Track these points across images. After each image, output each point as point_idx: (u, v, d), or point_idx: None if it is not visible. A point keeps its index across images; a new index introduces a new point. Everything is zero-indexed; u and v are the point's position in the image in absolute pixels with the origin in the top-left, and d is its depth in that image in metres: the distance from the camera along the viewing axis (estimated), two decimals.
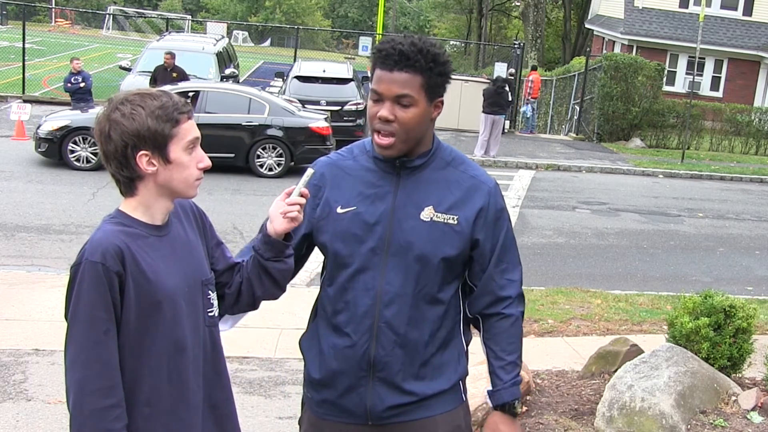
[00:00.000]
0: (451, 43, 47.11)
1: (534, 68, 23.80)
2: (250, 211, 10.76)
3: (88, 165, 12.38)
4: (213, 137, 12.26)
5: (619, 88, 19.83)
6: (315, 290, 2.97)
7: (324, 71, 16.55)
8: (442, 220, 2.30)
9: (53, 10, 47.80)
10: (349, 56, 38.78)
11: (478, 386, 3.93)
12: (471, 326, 2.48)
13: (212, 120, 12.83)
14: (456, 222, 2.31)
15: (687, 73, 26.99)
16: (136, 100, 2.05)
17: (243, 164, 13.14)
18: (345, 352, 2.31)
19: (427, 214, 2.30)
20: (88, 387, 1.97)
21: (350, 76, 16.54)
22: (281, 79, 18.01)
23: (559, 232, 11.12)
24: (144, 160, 2.05)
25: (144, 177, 2.07)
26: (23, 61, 19.61)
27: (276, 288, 2.30)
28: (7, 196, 10.56)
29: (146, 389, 2.07)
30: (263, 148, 13.16)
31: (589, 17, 34.73)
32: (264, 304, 2.38)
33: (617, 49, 27.86)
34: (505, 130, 18.30)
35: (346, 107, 15.79)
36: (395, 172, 2.33)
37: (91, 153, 12.35)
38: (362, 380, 2.32)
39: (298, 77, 16.31)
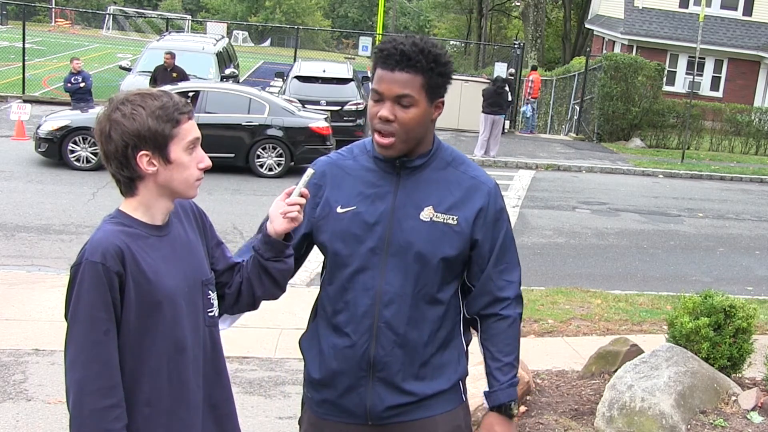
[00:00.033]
0: (451, 43, 47.07)
1: (534, 68, 23.81)
2: (250, 211, 10.76)
3: (88, 165, 12.38)
4: (213, 137, 12.25)
5: (619, 88, 19.83)
6: (315, 290, 2.96)
7: (324, 71, 16.55)
8: (442, 220, 2.30)
9: (53, 10, 47.80)
10: (349, 56, 38.77)
11: (478, 386, 3.91)
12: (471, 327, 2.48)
13: (212, 120, 12.83)
14: (455, 222, 2.31)
15: (687, 73, 26.99)
16: (136, 100, 2.05)
17: (243, 164, 13.14)
18: (345, 352, 2.31)
19: (427, 214, 2.30)
20: (88, 387, 1.97)
21: (350, 76, 16.53)
22: (281, 79, 18.01)
23: (559, 232, 11.12)
24: (144, 160, 2.05)
25: (144, 177, 2.08)
26: (23, 61, 19.61)
27: (276, 288, 2.30)
28: (7, 196, 10.56)
29: (146, 389, 2.07)
30: (263, 148, 13.16)
31: (589, 17, 34.73)
32: (264, 304, 2.38)
33: (617, 49, 27.86)
34: (505, 130, 18.30)
35: (346, 107, 15.79)
36: (395, 172, 2.33)
37: (91, 153, 12.35)
38: (362, 380, 2.32)
39: (298, 77, 16.30)
